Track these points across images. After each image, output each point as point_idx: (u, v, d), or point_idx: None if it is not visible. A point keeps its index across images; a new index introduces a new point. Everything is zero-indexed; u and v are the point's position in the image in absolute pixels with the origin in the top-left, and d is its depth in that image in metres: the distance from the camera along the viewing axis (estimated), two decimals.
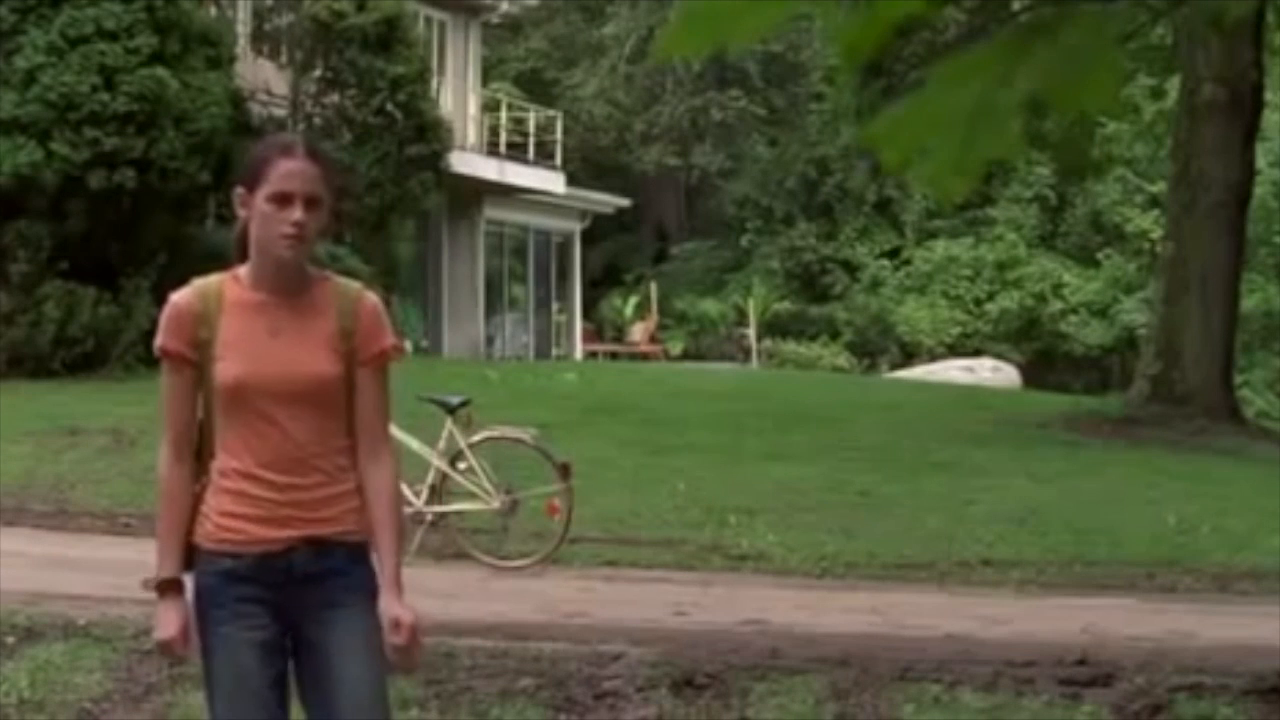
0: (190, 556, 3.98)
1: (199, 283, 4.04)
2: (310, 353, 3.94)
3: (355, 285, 4.12)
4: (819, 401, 19.98)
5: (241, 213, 3.97)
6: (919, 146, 1.30)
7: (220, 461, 3.95)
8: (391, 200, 23.75)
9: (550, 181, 31.40)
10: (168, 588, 3.95)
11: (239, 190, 3.97)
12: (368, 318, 4.02)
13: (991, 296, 36.83)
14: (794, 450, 15.11)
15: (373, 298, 4.11)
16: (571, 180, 32.79)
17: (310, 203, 3.88)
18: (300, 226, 3.86)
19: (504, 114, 31.90)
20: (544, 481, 10.51)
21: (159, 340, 3.99)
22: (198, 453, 4.00)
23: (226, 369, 3.90)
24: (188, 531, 3.96)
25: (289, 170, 3.88)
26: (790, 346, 35.79)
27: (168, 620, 3.96)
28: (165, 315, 4.01)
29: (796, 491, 12.86)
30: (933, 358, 34.30)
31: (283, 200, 3.85)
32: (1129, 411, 18.80)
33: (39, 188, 18.44)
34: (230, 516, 3.92)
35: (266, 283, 3.96)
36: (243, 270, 4.03)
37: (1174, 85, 20.67)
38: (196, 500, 3.98)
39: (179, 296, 4.02)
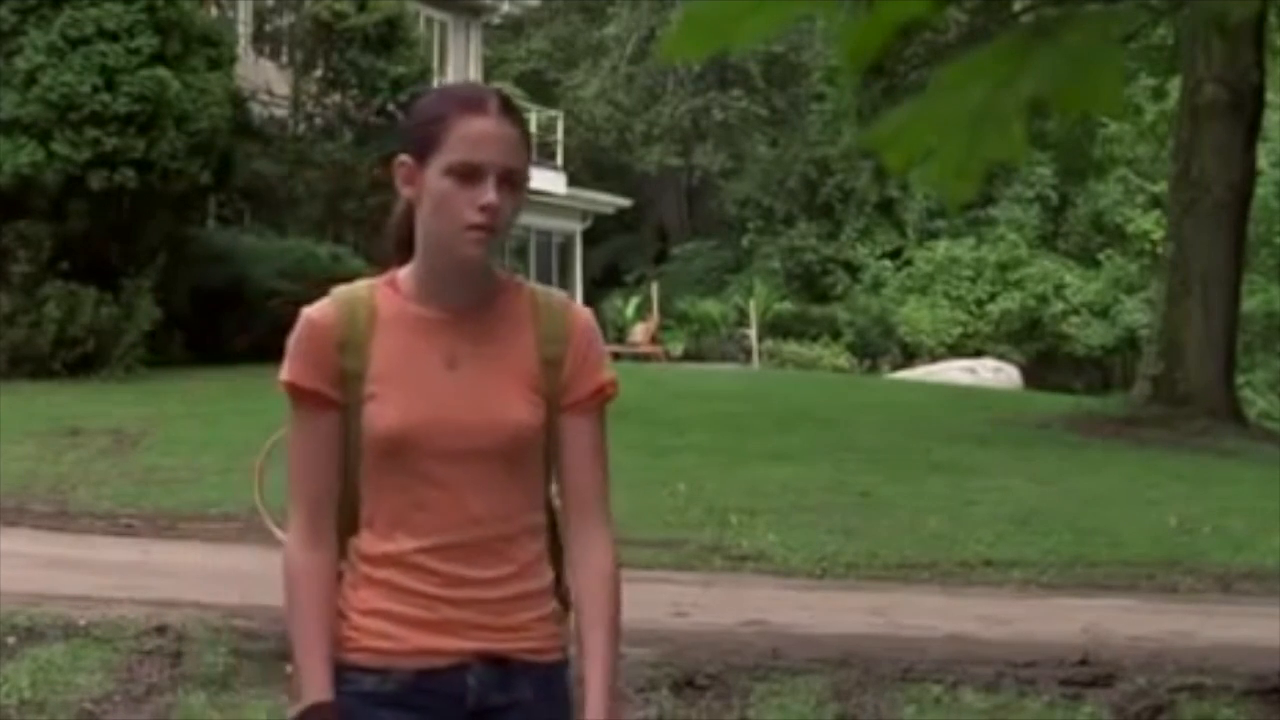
0: None
1: (342, 292, 2.87)
2: (502, 392, 2.83)
3: (561, 296, 2.99)
4: (820, 402, 19.98)
5: (405, 192, 2.84)
6: (922, 149, 1.30)
7: (364, 542, 2.85)
8: (393, 201, 23.78)
9: (551, 182, 31.43)
10: (317, 717, 2.80)
11: (402, 160, 2.82)
12: (581, 342, 2.89)
13: (993, 297, 36.85)
14: (795, 451, 15.11)
15: (586, 314, 2.99)
16: (573, 181, 32.84)
17: (507, 179, 2.76)
18: (493, 212, 2.73)
19: None
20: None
21: (288, 373, 2.82)
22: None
23: (381, 413, 2.79)
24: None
25: (479, 133, 2.76)
26: (791, 347, 35.80)
27: None
28: (297, 337, 2.83)
29: (797, 492, 12.86)
30: (934, 358, 34.31)
31: (469, 175, 2.74)
32: (1130, 412, 18.80)
33: (40, 188, 18.46)
34: (377, 616, 2.82)
35: (439, 292, 2.83)
36: (403, 274, 2.87)
37: (1175, 86, 20.69)
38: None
39: (316, 312, 2.84)
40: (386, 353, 2.81)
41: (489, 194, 2.73)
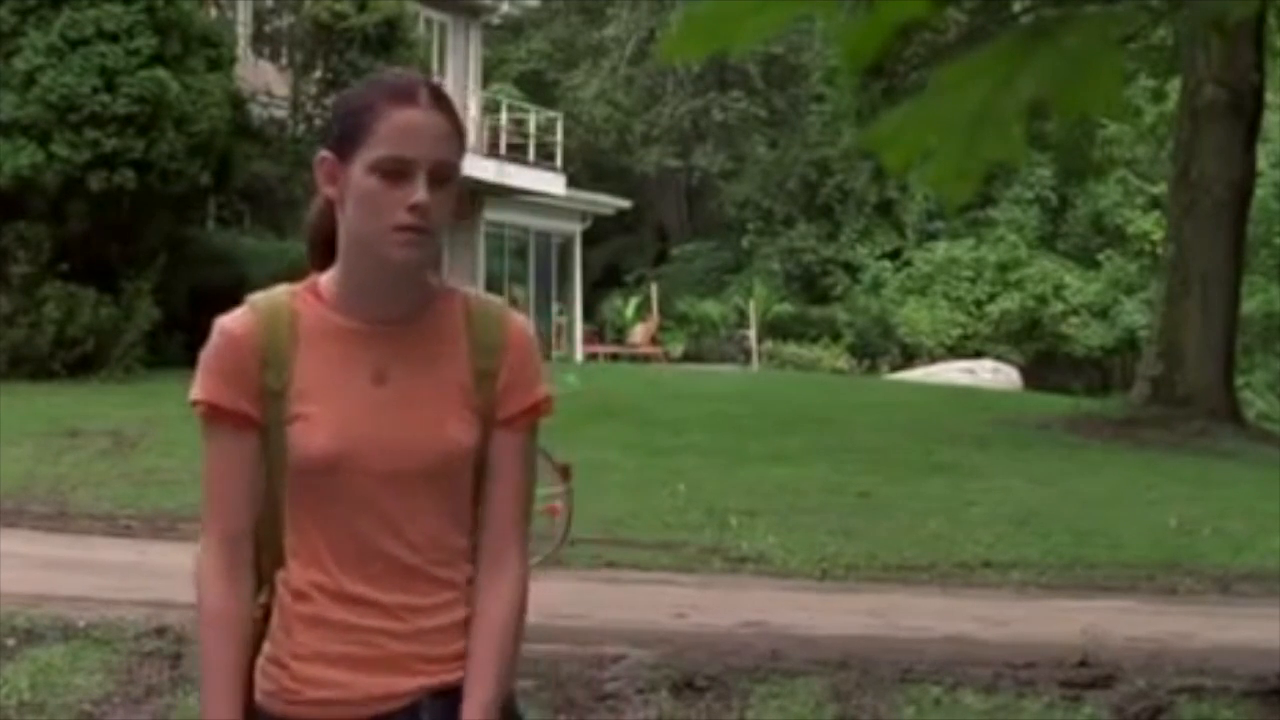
0: None
1: (260, 300, 2.63)
2: (435, 409, 2.59)
3: (497, 303, 2.76)
4: (819, 403, 19.98)
5: (327, 190, 2.58)
6: (921, 150, 1.30)
7: (293, 575, 2.59)
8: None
9: (551, 183, 31.44)
10: None
11: (324, 156, 2.57)
12: (517, 354, 2.66)
13: (992, 298, 36.87)
14: (794, 452, 15.11)
15: (523, 323, 2.74)
16: (572, 182, 32.84)
17: (439, 175, 2.51)
18: (424, 212, 2.48)
19: (504, 115, 31.93)
20: (544, 483, 10.47)
21: (203, 391, 2.57)
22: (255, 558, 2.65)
23: (309, 434, 2.55)
24: (248, 682, 2.61)
25: (408, 125, 2.50)
26: (791, 348, 35.82)
27: None
28: (214, 350, 2.59)
29: (797, 493, 12.86)
30: (933, 359, 34.33)
31: (397, 171, 2.49)
32: (1130, 413, 18.80)
33: (39, 189, 18.46)
34: (319, 661, 2.58)
35: (366, 301, 2.58)
36: (325, 280, 2.63)
37: (1175, 87, 20.69)
38: (258, 634, 2.63)
39: (233, 322, 2.60)
40: (310, 368, 2.56)
41: (419, 192, 2.48)
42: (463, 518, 2.64)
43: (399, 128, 2.50)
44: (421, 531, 2.59)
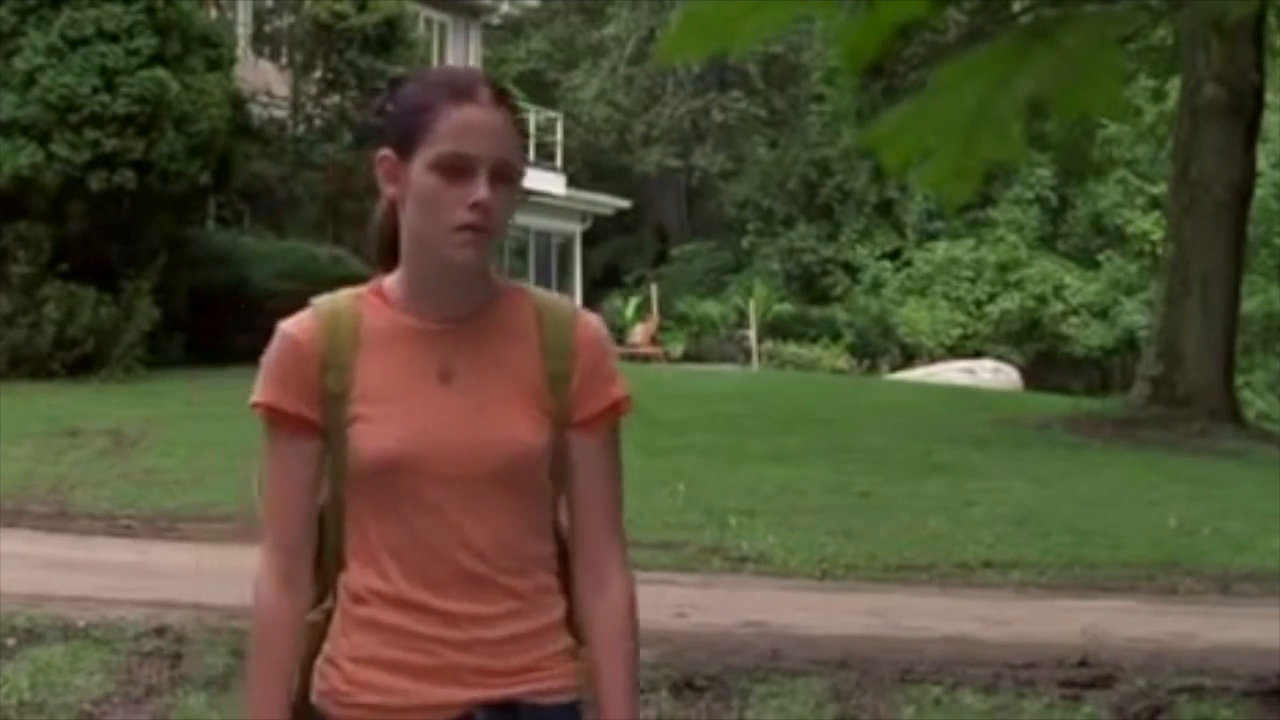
0: None
1: (323, 304, 2.59)
2: (503, 408, 2.53)
3: (567, 304, 2.70)
4: (819, 403, 19.98)
5: (388, 190, 2.55)
6: (920, 149, 1.30)
7: (353, 577, 2.56)
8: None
9: (551, 183, 31.45)
10: None
11: (384, 154, 2.54)
12: (590, 353, 2.60)
13: (992, 298, 36.86)
14: (794, 452, 15.11)
15: (595, 323, 2.67)
16: (572, 182, 32.86)
17: (500, 173, 2.47)
18: (486, 210, 2.45)
19: None
20: None
21: (264, 394, 2.56)
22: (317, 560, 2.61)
23: (370, 436, 2.51)
24: (304, 684, 2.61)
25: (468, 122, 2.47)
26: (791, 348, 35.80)
27: None
28: (276, 356, 2.57)
29: (797, 493, 12.86)
30: (933, 359, 34.33)
31: (458, 169, 2.45)
32: (1130, 413, 18.80)
33: (39, 189, 18.45)
34: (372, 665, 2.55)
35: (430, 300, 2.54)
36: (389, 281, 2.59)
37: (1175, 87, 20.69)
38: (319, 635, 2.61)
39: (295, 326, 2.57)
40: (372, 370, 2.53)
41: (481, 190, 2.43)
42: (539, 523, 2.59)
43: (459, 125, 2.46)
44: (489, 537, 2.53)
